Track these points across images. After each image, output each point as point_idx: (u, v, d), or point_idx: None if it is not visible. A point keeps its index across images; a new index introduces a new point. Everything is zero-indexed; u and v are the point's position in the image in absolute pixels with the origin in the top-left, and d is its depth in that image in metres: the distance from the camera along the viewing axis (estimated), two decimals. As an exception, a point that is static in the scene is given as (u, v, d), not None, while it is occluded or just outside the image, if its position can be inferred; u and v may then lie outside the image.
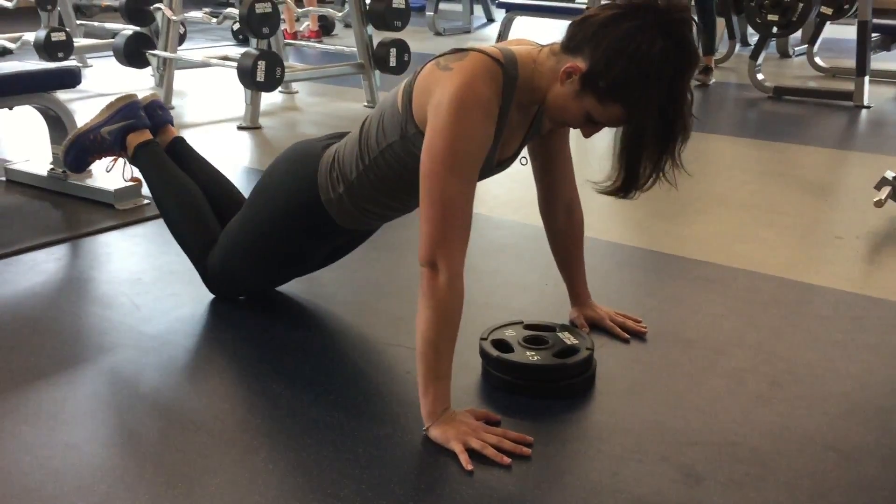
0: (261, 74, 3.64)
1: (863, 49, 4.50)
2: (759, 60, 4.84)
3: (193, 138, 3.43)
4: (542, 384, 1.55)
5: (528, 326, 1.67)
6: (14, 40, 4.76)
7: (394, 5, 4.09)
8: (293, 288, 1.99)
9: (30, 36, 4.61)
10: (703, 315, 1.93)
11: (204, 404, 1.54)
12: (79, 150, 2.20)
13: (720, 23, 5.68)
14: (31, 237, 2.33)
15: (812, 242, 2.47)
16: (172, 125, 2.20)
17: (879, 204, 2.52)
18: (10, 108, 2.73)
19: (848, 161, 3.58)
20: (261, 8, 3.66)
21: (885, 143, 3.86)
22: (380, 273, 2.15)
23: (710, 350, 1.75)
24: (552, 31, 1.50)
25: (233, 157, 3.31)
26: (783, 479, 1.32)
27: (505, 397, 1.54)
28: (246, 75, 3.66)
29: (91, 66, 5.23)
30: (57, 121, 2.72)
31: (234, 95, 4.17)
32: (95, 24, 5.54)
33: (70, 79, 2.72)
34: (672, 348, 1.76)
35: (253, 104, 3.82)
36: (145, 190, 2.15)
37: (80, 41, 4.99)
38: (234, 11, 4.02)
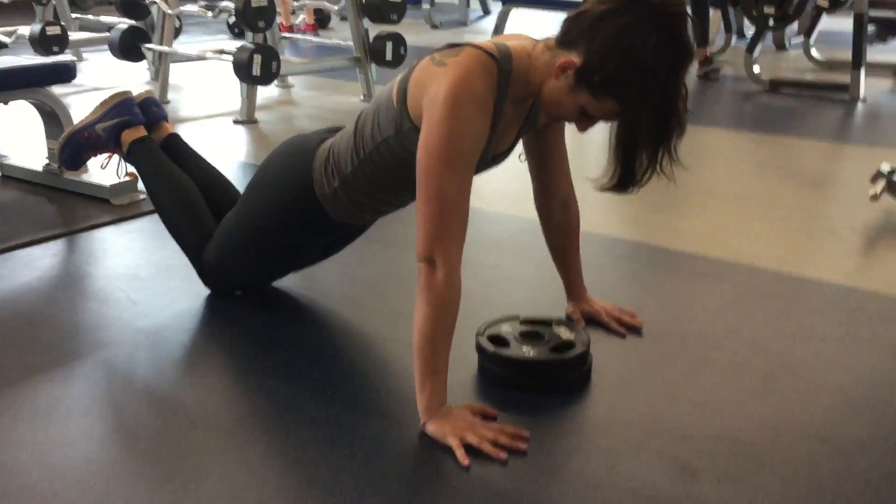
0: (257, 68, 3.64)
1: (859, 42, 4.50)
2: (756, 53, 4.84)
3: (189, 133, 3.44)
4: (538, 379, 1.56)
5: (525, 321, 1.68)
6: (9, 34, 4.74)
7: (390, -2, 4.08)
8: (290, 283, 1.99)
9: (25, 30, 4.59)
10: (699, 309, 1.94)
11: (201, 400, 1.54)
12: (74, 147, 2.20)
13: (716, 14, 5.68)
14: (26, 233, 2.33)
15: (807, 236, 2.48)
16: (167, 121, 2.20)
17: (875, 198, 2.52)
18: (6, 104, 2.73)
19: (844, 154, 3.59)
20: (256, 1, 3.65)
21: (880, 136, 3.87)
22: (377, 268, 2.16)
23: (706, 344, 1.76)
24: (549, 24, 1.50)
25: (228, 151, 3.30)
26: (777, 472, 1.33)
27: (501, 392, 1.54)
28: (242, 69, 3.65)
29: (86, 59, 5.22)
30: (52, 116, 2.71)
31: (229, 89, 4.16)
32: (90, 17, 5.52)
33: (65, 73, 2.72)
34: (668, 342, 1.76)
35: (249, 98, 3.82)
36: (141, 185, 2.15)
37: (75, 35, 4.97)
38: (229, 5, 4.01)
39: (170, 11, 4.22)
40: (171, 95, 4.29)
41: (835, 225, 2.53)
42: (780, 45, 6.16)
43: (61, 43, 4.49)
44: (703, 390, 1.58)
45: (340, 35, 5.63)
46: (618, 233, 2.44)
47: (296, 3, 5.42)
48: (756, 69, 4.83)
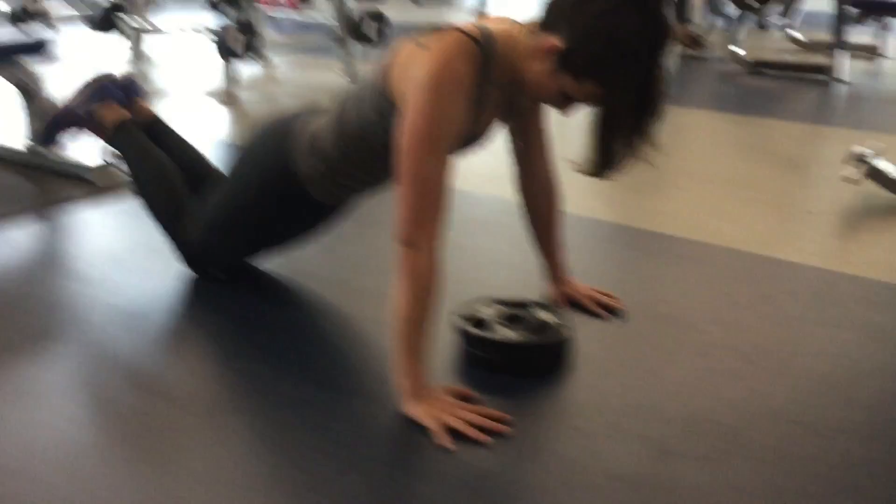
0: (237, 46, 3.61)
1: (840, 23, 4.53)
2: (738, 33, 4.84)
3: (168, 110, 3.41)
4: (518, 361, 1.57)
5: (506, 303, 1.69)
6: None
7: (372, -24, 4.06)
8: (271, 264, 1.99)
9: (2, 5, 4.52)
10: (678, 291, 1.96)
11: (179, 380, 1.55)
12: (56, 129, 2.19)
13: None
14: (6, 211, 2.31)
15: (784, 218, 2.50)
16: (149, 102, 2.18)
17: (853, 181, 2.55)
18: (-20, 80, 2.69)
19: (822, 136, 3.62)
20: (237, -23, 3.61)
21: (859, 119, 3.90)
22: (359, 249, 2.16)
23: (684, 326, 1.78)
24: (532, 4, 1.49)
25: (209, 130, 3.28)
26: (752, 453, 1.35)
27: (482, 375, 1.56)
28: (222, 47, 3.62)
29: (61, 31, 5.14)
30: (29, 91, 2.68)
31: (210, 66, 4.12)
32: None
33: (40, 48, 2.68)
34: (647, 324, 1.78)
35: (229, 76, 3.78)
36: (123, 166, 2.14)
37: (51, 3, 4.89)
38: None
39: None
40: (150, 72, 4.25)
41: (811, 207, 2.55)
42: (763, 26, 6.18)
43: (39, 17, 4.43)
44: (681, 372, 1.60)
45: (323, 12, 5.58)
46: (598, 214, 2.45)
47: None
48: (738, 49, 4.84)
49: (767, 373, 1.60)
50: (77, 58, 4.44)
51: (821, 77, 4.60)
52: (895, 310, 1.88)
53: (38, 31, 4.31)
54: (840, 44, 4.53)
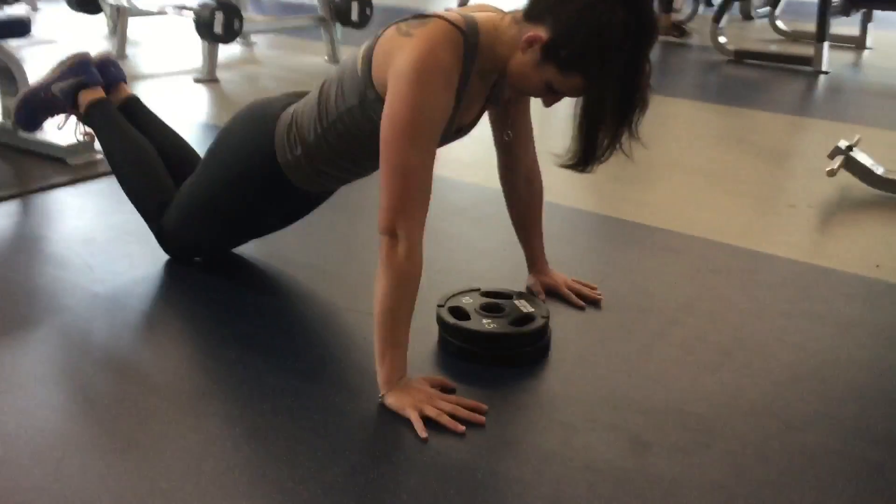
0: (218, 26, 3.56)
1: (823, 14, 4.54)
2: (722, 23, 4.85)
3: (148, 91, 3.37)
4: (497, 352, 1.57)
5: (485, 294, 1.69)
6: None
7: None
8: (250, 250, 1.98)
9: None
10: (658, 283, 1.96)
11: (159, 368, 1.54)
12: (30, 108, 2.15)
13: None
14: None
15: (765, 210, 2.52)
16: (126, 83, 2.15)
17: (832, 173, 2.57)
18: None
19: (804, 127, 3.63)
20: (219, -43, 3.56)
21: (841, 110, 3.92)
22: (339, 236, 2.15)
23: (663, 317, 1.79)
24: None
25: (188, 111, 3.25)
26: (727, 446, 1.36)
27: (460, 365, 1.56)
28: (203, 27, 3.57)
29: (40, 9, 5.06)
30: (6, 71, 2.64)
31: (190, 46, 4.07)
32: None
33: (20, 28, 2.64)
34: (626, 316, 1.79)
35: (210, 56, 3.74)
36: (98, 146, 2.11)
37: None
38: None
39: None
40: (129, 51, 4.20)
41: (793, 199, 2.57)
42: (747, 15, 6.19)
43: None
44: (658, 364, 1.61)
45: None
46: (580, 204, 2.45)
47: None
48: (722, 39, 4.85)
49: (744, 366, 1.61)
50: (55, 35, 4.37)
51: (804, 68, 4.62)
52: (871, 303, 1.90)
53: (18, 10, 4.24)
54: (823, 35, 4.55)
